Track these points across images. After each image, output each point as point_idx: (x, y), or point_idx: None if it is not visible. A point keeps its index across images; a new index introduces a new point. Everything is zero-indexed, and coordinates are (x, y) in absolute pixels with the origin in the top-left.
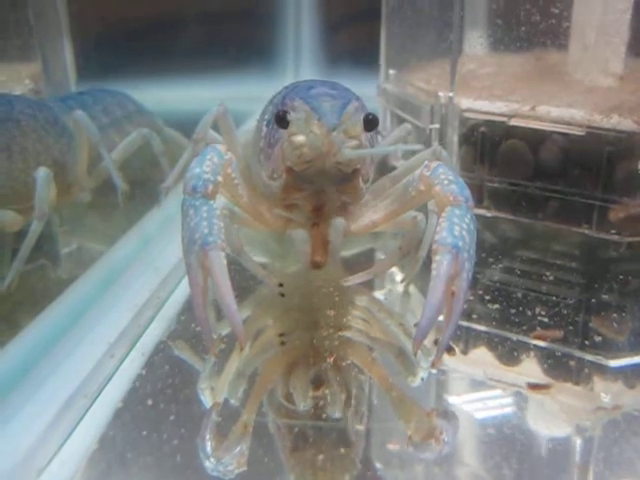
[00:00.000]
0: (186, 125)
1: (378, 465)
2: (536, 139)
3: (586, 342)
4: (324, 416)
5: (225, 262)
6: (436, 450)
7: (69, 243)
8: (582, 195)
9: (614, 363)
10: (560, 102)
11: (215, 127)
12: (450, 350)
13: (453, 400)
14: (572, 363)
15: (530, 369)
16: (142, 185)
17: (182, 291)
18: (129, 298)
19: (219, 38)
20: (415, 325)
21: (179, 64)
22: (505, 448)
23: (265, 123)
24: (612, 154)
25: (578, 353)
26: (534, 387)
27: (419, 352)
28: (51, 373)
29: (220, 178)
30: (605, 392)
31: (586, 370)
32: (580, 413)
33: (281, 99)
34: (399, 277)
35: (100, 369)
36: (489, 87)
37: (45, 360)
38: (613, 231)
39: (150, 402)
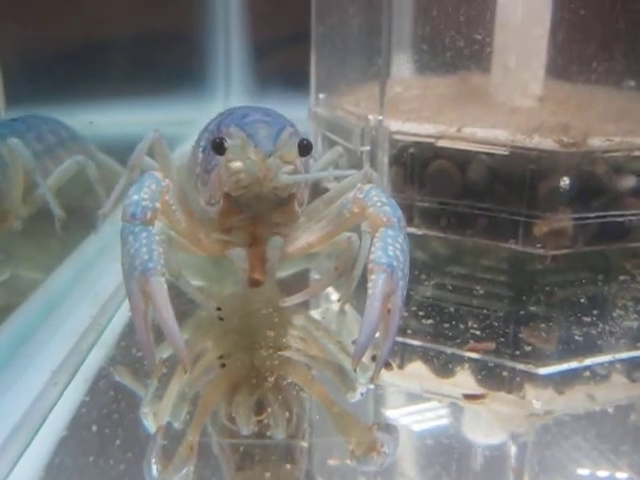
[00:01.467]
0: (118, 149)
1: None
2: (463, 159)
3: (517, 352)
4: (268, 434)
5: (166, 287)
6: (378, 463)
7: (2, 272)
8: (508, 212)
9: (544, 371)
10: (485, 123)
11: (149, 152)
12: (387, 365)
13: (392, 414)
14: (504, 373)
15: (464, 380)
16: (78, 212)
17: (122, 317)
18: (69, 325)
19: (149, 62)
20: (353, 342)
21: (109, 88)
22: (444, 457)
23: (201, 150)
24: (535, 172)
25: (509, 363)
26: (470, 397)
27: (357, 368)
28: None
29: (158, 204)
30: (536, 399)
31: (518, 379)
32: (514, 420)
33: (216, 126)
34: (335, 296)
35: (43, 398)
36: (417, 110)
37: None
38: (538, 245)
39: (95, 428)
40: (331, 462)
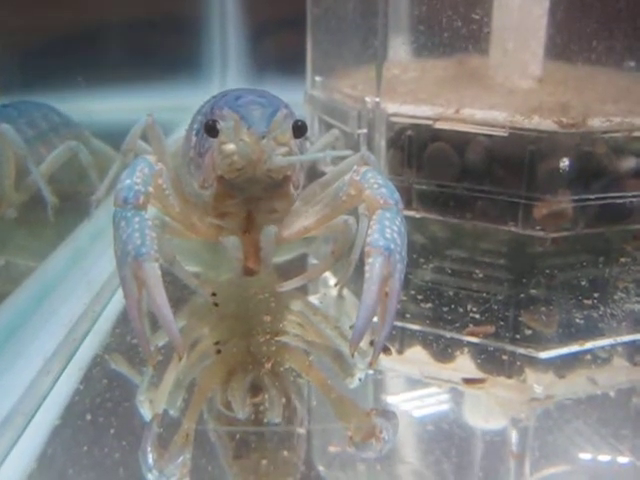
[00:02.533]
0: (113, 136)
1: (321, 467)
2: (461, 141)
3: (517, 336)
4: (265, 421)
5: (159, 273)
6: (377, 449)
7: None
8: (507, 194)
9: (544, 355)
10: (483, 104)
11: (144, 137)
12: (386, 350)
13: (391, 399)
14: (504, 357)
15: (464, 365)
16: (71, 198)
17: (116, 304)
18: (63, 313)
19: (144, 48)
20: (351, 327)
21: (103, 74)
22: (444, 443)
23: (194, 133)
24: (534, 153)
25: (510, 347)
26: (470, 382)
27: (355, 353)
28: None
29: (151, 189)
30: (537, 383)
31: (518, 363)
32: (514, 405)
33: (210, 108)
34: (332, 281)
35: (36, 386)
36: (414, 91)
37: None
38: (538, 227)
39: (89, 417)
40: (329, 448)
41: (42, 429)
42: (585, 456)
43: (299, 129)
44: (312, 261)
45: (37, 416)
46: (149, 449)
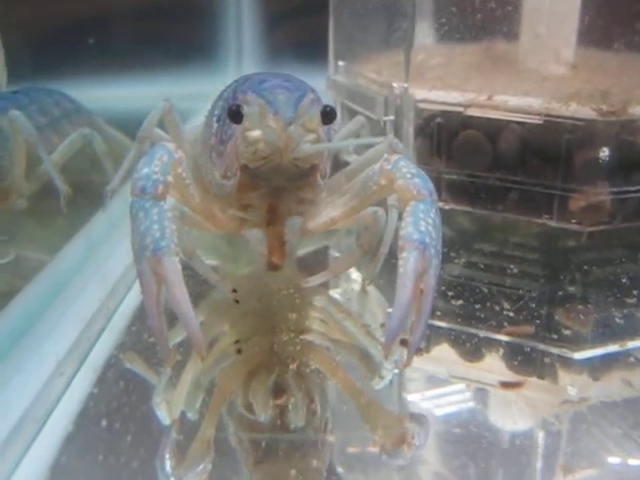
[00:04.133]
0: (127, 124)
1: (348, 475)
2: (493, 129)
3: (552, 335)
4: (289, 426)
5: (180, 267)
6: (408, 456)
7: (6, 253)
8: (542, 185)
9: (579, 355)
10: (516, 91)
11: (160, 125)
12: (417, 349)
13: (418, 400)
14: (538, 357)
15: (495, 365)
16: (85, 188)
17: (132, 300)
18: (76, 310)
19: (158, 34)
20: (382, 326)
21: (117, 62)
22: (472, 446)
23: (215, 119)
24: (571, 142)
25: (543, 347)
26: (507, 385)
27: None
28: None
29: (170, 178)
30: (571, 385)
31: (552, 364)
32: (546, 407)
33: (232, 93)
34: (354, 275)
35: (49, 389)
36: (443, 77)
37: None
38: (574, 221)
39: (104, 423)
40: (357, 455)
41: (55, 436)
42: (617, 461)
43: (327, 115)
44: (334, 254)
45: (49, 422)
46: (167, 456)
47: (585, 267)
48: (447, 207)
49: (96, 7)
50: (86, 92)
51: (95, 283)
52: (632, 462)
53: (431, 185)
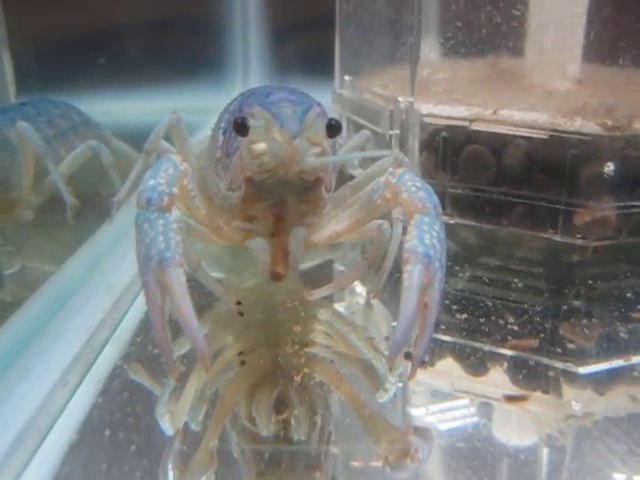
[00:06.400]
0: (134, 137)
1: None
2: (499, 144)
3: (556, 349)
4: (293, 439)
5: (185, 279)
6: (412, 469)
7: (12, 264)
8: (547, 200)
9: (584, 370)
10: (521, 106)
11: (167, 138)
12: (421, 363)
13: (422, 414)
14: (542, 371)
15: (499, 379)
16: (91, 200)
17: (137, 311)
18: (81, 321)
19: (166, 48)
20: (386, 339)
21: (124, 75)
22: (476, 462)
23: (221, 132)
24: (576, 157)
25: (547, 361)
26: (511, 399)
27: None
28: None
29: (176, 190)
30: (575, 400)
31: (556, 378)
32: (550, 422)
33: (238, 106)
34: (359, 288)
35: (52, 399)
36: (448, 92)
37: None
38: (579, 235)
39: (108, 432)
40: (361, 469)
41: (58, 446)
42: (622, 478)
43: (333, 128)
44: (339, 268)
45: (53, 432)
46: (170, 467)
47: (590, 282)
48: (452, 221)
49: (104, 21)
50: (94, 105)
51: (100, 294)
52: (637, 479)
53: (436, 198)
